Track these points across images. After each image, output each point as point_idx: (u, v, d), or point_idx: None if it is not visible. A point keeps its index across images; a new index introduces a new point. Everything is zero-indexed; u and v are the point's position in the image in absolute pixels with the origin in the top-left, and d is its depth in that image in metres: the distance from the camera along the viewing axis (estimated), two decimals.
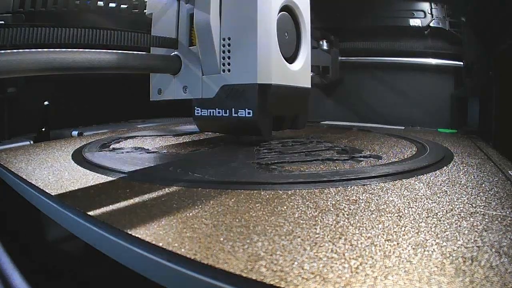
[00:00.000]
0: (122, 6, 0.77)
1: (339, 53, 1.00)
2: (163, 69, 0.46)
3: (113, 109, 0.96)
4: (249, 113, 0.41)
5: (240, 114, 0.42)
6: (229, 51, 0.42)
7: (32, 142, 0.62)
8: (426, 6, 0.97)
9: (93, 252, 0.25)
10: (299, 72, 0.48)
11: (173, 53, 0.46)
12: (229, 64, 0.42)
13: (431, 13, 0.97)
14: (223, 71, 0.42)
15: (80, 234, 0.26)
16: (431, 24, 0.97)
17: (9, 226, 0.44)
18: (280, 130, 0.53)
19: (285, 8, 0.45)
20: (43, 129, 0.63)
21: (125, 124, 0.86)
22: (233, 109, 0.42)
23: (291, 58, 0.47)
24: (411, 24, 0.99)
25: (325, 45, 0.96)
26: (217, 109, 0.43)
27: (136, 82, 1.03)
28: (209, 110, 0.44)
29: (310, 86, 0.51)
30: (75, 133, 0.70)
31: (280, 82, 0.44)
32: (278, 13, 0.43)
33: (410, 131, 0.76)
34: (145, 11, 0.50)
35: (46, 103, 0.64)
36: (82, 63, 0.35)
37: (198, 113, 0.45)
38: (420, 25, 0.98)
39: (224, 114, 0.43)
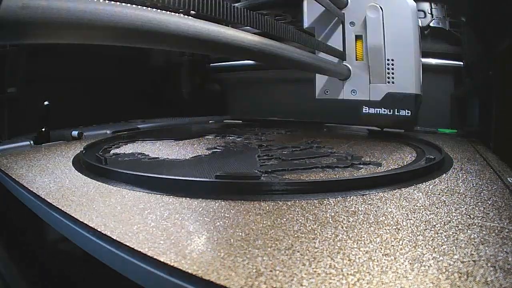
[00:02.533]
0: None
1: None
2: (339, 75, 0.62)
3: (113, 109, 0.96)
4: (408, 112, 0.61)
5: (400, 113, 0.61)
6: (393, 69, 0.61)
7: (32, 142, 0.62)
8: (426, 6, 0.97)
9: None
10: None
11: (343, 63, 0.63)
12: (393, 78, 0.61)
13: (431, 13, 0.96)
14: (388, 82, 0.61)
15: (81, 245, 0.27)
16: (431, 24, 0.96)
17: (9, 227, 0.45)
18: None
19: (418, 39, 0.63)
20: (43, 129, 0.64)
21: (125, 124, 0.86)
22: (395, 109, 0.61)
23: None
24: None
25: None
26: (382, 108, 0.62)
27: (136, 82, 1.03)
28: (375, 109, 0.62)
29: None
30: (75, 133, 0.70)
31: (421, 92, 0.65)
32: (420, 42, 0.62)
33: (410, 132, 0.76)
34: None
35: (46, 103, 0.65)
36: (288, 56, 0.44)
37: (366, 111, 0.64)
38: (420, 25, 0.97)
39: (388, 112, 0.62)
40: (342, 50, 0.62)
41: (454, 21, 0.95)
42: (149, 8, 0.28)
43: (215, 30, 0.33)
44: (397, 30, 0.60)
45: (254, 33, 0.39)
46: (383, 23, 0.60)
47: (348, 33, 0.62)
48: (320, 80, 0.66)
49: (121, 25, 0.26)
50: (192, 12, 0.32)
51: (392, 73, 0.61)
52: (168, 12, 0.29)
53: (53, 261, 0.42)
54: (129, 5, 0.27)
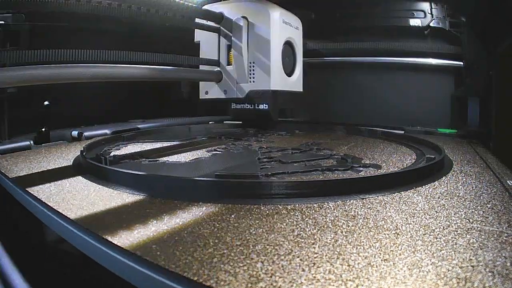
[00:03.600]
0: None
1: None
2: (214, 79, 0.76)
3: (113, 109, 0.96)
4: (265, 106, 0.72)
5: (260, 107, 0.72)
6: (253, 69, 0.72)
7: (32, 142, 0.62)
8: (426, 6, 0.97)
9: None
10: (294, 82, 0.82)
11: (216, 69, 0.76)
12: (254, 77, 0.72)
13: (431, 13, 0.96)
14: (250, 81, 0.73)
15: (83, 249, 0.27)
16: (431, 24, 0.96)
17: (9, 227, 0.45)
18: (284, 118, 0.86)
19: (287, 43, 0.77)
20: (43, 129, 0.64)
21: (125, 124, 0.86)
22: (256, 104, 0.73)
23: (289, 73, 0.81)
24: (411, 24, 0.98)
25: None
26: (246, 104, 0.73)
27: (136, 82, 1.03)
28: (240, 105, 0.74)
29: (301, 90, 0.86)
30: (75, 133, 0.70)
31: (282, 88, 0.75)
32: (283, 46, 0.74)
33: (410, 132, 0.77)
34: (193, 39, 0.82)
35: (46, 103, 0.65)
36: (166, 76, 0.68)
37: (234, 106, 0.76)
38: (420, 25, 0.98)
39: (250, 107, 0.73)
40: (217, 58, 0.76)
41: (454, 21, 0.95)
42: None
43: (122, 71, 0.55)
44: (258, 37, 0.71)
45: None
46: (248, 31, 0.72)
47: (222, 43, 0.75)
48: (202, 84, 0.79)
49: None
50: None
51: (253, 74, 0.72)
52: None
53: (54, 263, 0.42)
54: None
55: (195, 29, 0.80)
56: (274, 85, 0.72)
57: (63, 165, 0.46)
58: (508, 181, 0.36)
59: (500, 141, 0.70)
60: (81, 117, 0.85)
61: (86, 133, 0.71)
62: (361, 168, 0.40)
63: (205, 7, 0.77)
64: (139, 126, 0.84)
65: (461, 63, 0.91)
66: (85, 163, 0.44)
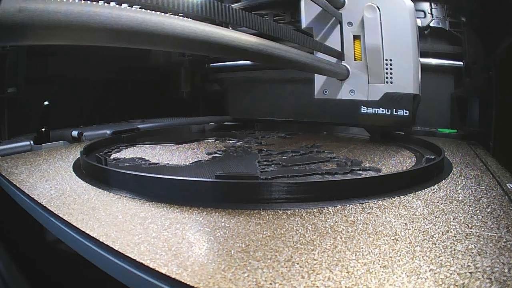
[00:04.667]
0: None
1: None
2: (338, 75, 0.62)
3: (113, 109, 0.96)
4: (406, 112, 0.60)
5: (398, 113, 0.61)
6: (391, 69, 0.61)
7: (32, 142, 0.62)
8: (426, 6, 0.96)
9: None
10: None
11: (341, 64, 0.63)
12: (391, 78, 0.61)
13: (431, 13, 0.96)
14: (386, 82, 0.61)
15: (82, 253, 0.27)
16: (431, 24, 0.96)
17: (9, 227, 0.45)
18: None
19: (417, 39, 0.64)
20: (43, 129, 0.64)
21: (125, 124, 0.86)
22: (394, 109, 0.61)
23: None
24: None
25: None
26: (380, 108, 0.62)
27: (136, 82, 1.03)
28: (374, 109, 0.62)
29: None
30: (75, 133, 0.70)
31: (419, 92, 0.65)
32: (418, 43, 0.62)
33: (410, 132, 0.77)
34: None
35: (46, 103, 0.65)
36: (286, 56, 0.44)
37: (364, 111, 0.63)
38: (420, 25, 0.97)
39: (386, 112, 0.62)
40: (340, 50, 0.62)
41: (454, 21, 0.94)
42: (144, 10, 0.28)
43: (211, 31, 0.32)
44: (394, 30, 0.60)
45: (252, 34, 0.38)
46: (380, 23, 0.60)
47: (346, 33, 0.62)
48: (319, 80, 0.67)
49: (118, 27, 0.26)
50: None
51: (391, 73, 0.61)
52: (164, 14, 0.29)
53: (54, 266, 0.42)
54: (126, 7, 0.27)
55: (303, 13, 0.66)
56: (416, 88, 0.61)
57: (63, 168, 0.46)
58: (508, 185, 0.36)
59: (500, 141, 0.70)
60: (81, 117, 0.85)
61: (86, 133, 0.71)
62: (361, 172, 0.40)
63: None
64: (139, 126, 0.84)
65: (461, 63, 0.91)
66: (84, 166, 0.45)
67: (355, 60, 0.61)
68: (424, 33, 0.96)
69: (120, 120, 0.95)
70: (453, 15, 0.94)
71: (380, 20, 0.59)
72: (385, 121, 0.64)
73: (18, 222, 0.43)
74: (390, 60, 0.60)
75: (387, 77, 0.61)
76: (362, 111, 0.63)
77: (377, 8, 0.59)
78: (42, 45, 0.77)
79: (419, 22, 0.96)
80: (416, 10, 0.96)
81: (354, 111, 0.65)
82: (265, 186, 0.32)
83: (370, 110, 0.63)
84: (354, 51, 0.62)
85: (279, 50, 0.42)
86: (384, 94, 0.61)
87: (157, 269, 0.21)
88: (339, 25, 0.63)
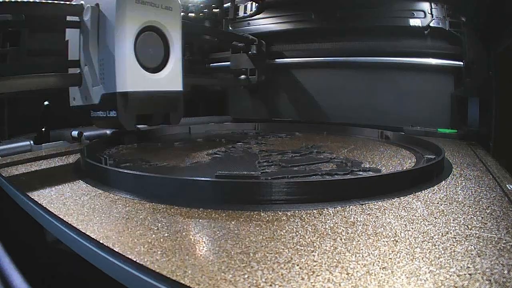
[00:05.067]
0: None
1: (266, 56, 1.06)
2: (72, 84, 0.61)
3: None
4: (114, 113, 0.56)
5: (110, 114, 0.57)
6: (103, 69, 0.56)
7: (32, 142, 0.62)
8: (426, 6, 0.96)
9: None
10: (164, 79, 0.62)
11: (77, 71, 0.60)
12: (103, 78, 0.57)
13: (431, 13, 0.96)
14: (102, 83, 0.57)
15: (83, 254, 0.27)
16: (431, 24, 0.96)
17: (9, 227, 0.45)
18: (152, 125, 0.73)
19: (149, 28, 0.58)
20: (43, 129, 0.64)
21: None
22: (107, 110, 0.57)
23: (157, 68, 0.61)
24: (411, 24, 0.98)
25: (254, 50, 1.03)
26: (100, 111, 0.59)
27: None
28: (96, 112, 0.60)
29: (179, 89, 0.65)
30: (75, 133, 0.71)
31: (138, 89, 0.57)
32: (139, 34, 0.57)
33: (410, 132, 0.77)
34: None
35: (46, 103, 0.65)
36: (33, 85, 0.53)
37: (93, 115, 0.61)
38: (420, 25, 0.97)
39: (103, 115, 0.59)
40: (78, 58, 0.60)
41: (454, 21, 0.94)
42: None
43: None
44: (107, 27, 0.54)
45: None
46: (98, 22, 0.56)
47: (81, 39, 0.59)
48: (71, 89, 0.64)
49: None
50: None
51: (103, 74, 0.57)
52: None
53: (54, 263, 0.42)
54: None
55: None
56: (123, 86, 0.55)
57: (63, 169, 0.46)
58: (508, 185, 0.36)
59: (500, 141, 0.70)
60: (81, 117, 0.85)
61: (86, 133, 0.71)
62: (361, 173, 0.40)
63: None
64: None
65: (461, 63, 0.91)
66: (84, 167, 0.45)
67: (85, 65, 0.58)
68: (424, 33, 0.96)
69: None
70: (453, 15, 0.94)
71: (99, 19, 0.55)
72: (105, 123, 0.63)
73: (18, 223, 0.43)
74: (102, 60, 0.56)
75: (101, 78, 0.57)
76: (91, 115, 0.61)
77: (91, 8, 0.55)
78: (43, 45, 0.77)
79: (419, 22, 0.96)
80: (416, 10, 0.97)
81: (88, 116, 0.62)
82: (266, 187, 0.32)
83: (94, 114, 0.60)
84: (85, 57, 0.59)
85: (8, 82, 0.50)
86: (101, 96, 0.57)
87: (157, 270, 0.21)
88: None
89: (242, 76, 1.05)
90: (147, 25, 0.57)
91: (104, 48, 0.55)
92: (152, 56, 0.59)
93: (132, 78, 0.56)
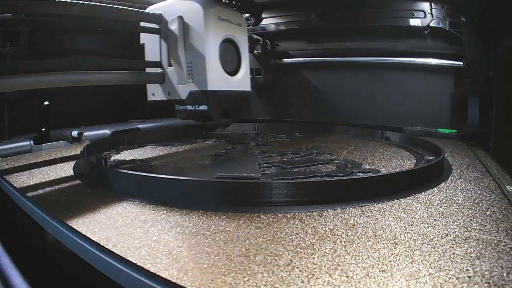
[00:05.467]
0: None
1: (272, 56, 1.07)
2: (156, 80, 0.73)
3: (113, 109, 0.96)
4: (204, 107, 0.68)
5: (200, 108, 0.68)
6: (191, 70, 0.68)
7: (32, 142, 0.62)
8: (426, 6, 0.96)
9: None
10: (239, 81, 0.75)
11: (159, 71, 0.72)
12: (192, 78, 0.68)
13: (431, 13, 0.96)
14: (189, 82, 0.68)
15: (83, 256, 0.27)
16: (431, 24, 0.96)
17: (9, 227, 0.45)
18: (231, 119, 0.83)
19: (227, 40, 0.72)
20: (43, 129, 0.64)
21: (125, 124, 0.86)
22: (196, 105, 0.68)
23: (233, 72, 0.74)
24: (411, 24, 0.98)
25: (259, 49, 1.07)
26: (188, 105, 0.69)
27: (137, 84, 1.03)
28: (183, 106, 0.70)
29: (249, 90, 0.78)
30: (75, 133, 0.71)
31: (222, 88, 0.70)
32: (221, 45, 0.70)
33: (410, 132, 0.77)
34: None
35: (46, 103, 0.65)
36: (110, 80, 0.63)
37: (178, 108, 0.72)
38: (420, 25, 0.97)
39: (192, 108, 0.69)
40: (159, 60, 0.72)
41: (454, 21, 0.94)
42: None
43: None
44: (194, 37, 0.67)
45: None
46: (183, 31, 0.67)
47: (163, 44, 0.71)
48: (149, 86, 0.75)
49: None
50: None
51: (192, 74, 0.68)
52: None
53: (54, 263, 0.43)
54: None
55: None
56: (212, 85, 0.67)
57: (63, 170, 0.46)
58: (507, 187, 0.36)
59: (500, 141, 0.70)
60: (81, 117, 0.85)
61: (86, 133, 0.72)
62: (361, 174, 0.40)
63: (148, 8, 0.73)
64: (139, 126, 0.84)
65: (461, 63, 0.91)
66: (84, 169, 0.45)
67: (169, 66, 0.70)
68: (424, 33, 0.96)
69: (120, 120, 0.95)
70: (453, 15, 0.94)
71: (184, 28, 0.67)
72: (192, 115, 0.72)
73: (18, 222, 0.43)
74: (191, 63, 0.67)
75: (189, 78, 0.68)
76: (176, 108, 0.72)
77: (178, 19, 0.66)
78: (44, 45, 0.77)
79: (419, 22, 0.96)
80: (416, 10, 0.97)
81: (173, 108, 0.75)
82: (266, 189, 0.32)
83: (181, 107, 0.72)
84: (169, 59, 0.71)
85: (96, 76, 0.61)
86: (189, 93, 0.68)
87: (158, 273, 0.21)
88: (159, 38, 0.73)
89: None
90: (226, 38, 0.71)
91: (193, 53, 0.67)
92: (229, 62, 0.73)
93: (219, 79, 0.69)
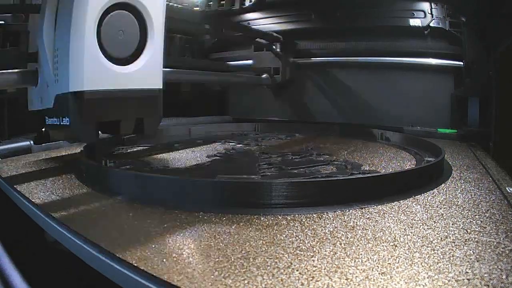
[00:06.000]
0: None
1: (291, 55, 1.03)
2: (25, 83, 0.48)
3: None
4: (67, 121, 0.42)
5: (63, 122, 0.43)
6: (57, 62, 0.42)
7: (32, 142, 0.62)
8: (426, 6, 0.96)
9: None
10: (137, 73, 0.46)
11: (35, 67, 0.46)
12: (58, 75, 0.42)
13: (431, 13, 0.96)
14: (56, 81, 0.43)
15: (86, 260, 0.27)
16: (431, 24, 0.96)
17: (9, 227, 0.45)
18: (119, 134, 0.52)
19: (119, 6, 0.43)
20: (43, 129, 0.64)
21: None
22: (60, 117, 0.43)
23: (128, 59, 0.45)
24: (411, 24, 0.98)
25: (278, 48, 1.00)
26: (54, 117, 0.44)
27: None
28: (50, 119, 0.45)
29: (158, 87, 0.49)
30: None
31: (101, 87, 0.42)
32: (105, 14, 0.41)
33: (410, 132, 0.77)
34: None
35: None
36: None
37: (48, 121, 0.46)
38: (420, 25, 0.97)
39: (57, 123, 0.44)
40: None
41: (454, 21, 0.94)
42: None
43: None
44: (64, 10, 0.42)
45: None
46: (57, 6, 0.43)
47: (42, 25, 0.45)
48: (29, 91, 0.51)
49: None
50: None
51: (57, 68, 0.43)
52: None
53: (54, 263, 0.43)
54: None
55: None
56: (79, 83, 0.41)
57: (63, 171, 0.46)
58: (507, 188, 0.36)
59: (500, 141, 0.70)
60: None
61: None
62: (361, 175, 0.40)
63: None
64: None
65: (461, 63, 0.91)
66: (85, 170, 0.45)
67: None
68: (424, 33, 0.96)
69: None
70: (453, 15, 0.94)
71: (58, 3, 0.43)
72: (60, 135, 0.54)
73: (18, 222, 0.43)
74: (57, 49, 0.43)
75: (55, 74, 0.44)
76: (46, 122, 0.47)
77: None
78: None
79: (419, 22, 0.96)
80: (416, 10, 0.97)
81: None
82: (266, 190, 0.32)
83: (49, 121, 0.46)
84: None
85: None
86: (55, 98, 0.44)
87: (158, 276, 0.21)
88: None
89: (264, 75, 1.02)
90: (117, 2, 0.42)
91: (61, 35, 0.42)
92: (122, 42, 0.44)
93: (92, 72, 0.41)
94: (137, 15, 0.45)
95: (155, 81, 0.48)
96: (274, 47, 1.01)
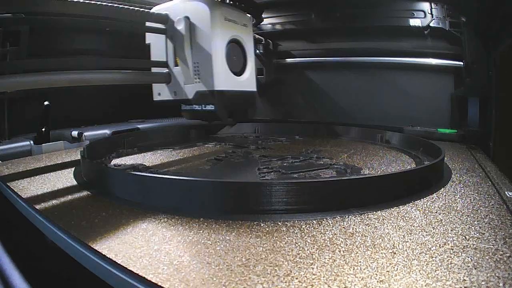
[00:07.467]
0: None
1: (274, 56, 1.08)
2: (161, 80, 0.74)
3: (113, 109, 0.96)
4: (212, 107, 0.68)
5: (208, 107, 0.69)
6: (198, 70, 0.69)
7: (32, 142, 0.63)
8: (426, 6, 0.96)
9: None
10: (245, 81, 0.76)
11: (166, 71, 0.73)
12: (199, 78, 0.69)
13: (431, 13, 0.96)
14: (196, 82, 0.69)
15: (85, 265, 0.27)
16: (431, 24, 0.96)
17: (9, 227, 0.45)
18: (237, 119, 0.83)
19: (233, 41, 0.73)
20: (43, 129, 0.64)
21: (125, 124, 0.87)
22: (203, 105, 0.69)
23: (239, 72, 0.75)
24: (411, 24, 0.98)
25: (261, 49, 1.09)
26: (194, 105, 0.70)
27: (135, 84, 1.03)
28: (190, 106, 0.71)
29: (255, 90, 0.79)
30: (75, 133, 0.71)
31: (229, 88, 0.71)
32: (228, 45, 0.71)
33: (410, 133, 0.77)
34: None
35: (46, 103, 0.65)
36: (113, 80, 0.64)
37: (184, 108, 0.73)
38: (420, 25, 0.97)
39: (198, 108, 0.70)
40: (166, 60, 0.73)
41: (454, 21, 0.94)
42: None
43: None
44: (200, 37, 0.68)
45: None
46: (190, 31, 0.68)
47: (169, 44, 0.72)
48: (154, 86, 0.76)
49: None
50: None
51: (198, 74, 0.68)
52: None
53: (54, 263, 0.43)
54: None
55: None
56: (219, 85, 0.67)
57: (63, 173, 0.47)
58: (507, 193, 0.36)
59: (500, 141, 0.70)
60: (81, 117, 0.85)
61: (86, 133, 0.72)
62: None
63: (153, 9, 0.73)
64: (139, 126, 0.84)
65: (461, 63, 0.91)
66: (85, 174, 0.45)
67: (175, 66, 0.71)
68: (424, 33, 0.96)
69: (120, 120, 0.95)
70: (453, 15, 0.94)
71: (190, 29, 0.68)
72: (199, 115, 0.72)
73: (18, 223, 0.43)
74: (198, 63, 0.68)
75: (195, 78, 0.69)
76: (183, 108, 0.73)
77: (184, 20, 0.67)
78: (44, 44, 0.78)
79: (419, 22, 0.96)
80: (416, 10, 0.97)
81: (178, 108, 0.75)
82: (266, 196, 0.32)
83: (187, 107, 0.72)
84: (175, 59, 0.72)
85: (101, 76, 0.62)
86: (195, 93, 0.69)
87: (160, 283, 0.22)
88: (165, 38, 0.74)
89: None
90: (232, 38, 0.72)
91: (200, 53, 0.68)
92: (236, 63, 0.74)
93: (226, 79, 0.70)
94: (241, 46, 0.76)
95: (253, 86, 0.79)
96: (256, 49, 1.05)
